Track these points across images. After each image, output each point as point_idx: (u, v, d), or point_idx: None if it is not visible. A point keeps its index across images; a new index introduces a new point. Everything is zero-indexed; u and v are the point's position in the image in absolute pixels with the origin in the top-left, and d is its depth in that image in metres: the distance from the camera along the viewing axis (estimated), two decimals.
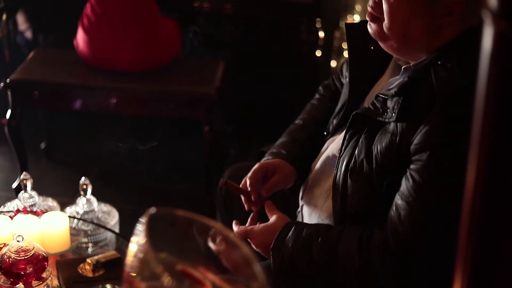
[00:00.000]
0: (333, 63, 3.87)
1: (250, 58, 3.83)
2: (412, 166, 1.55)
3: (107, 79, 3.17)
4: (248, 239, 1.77)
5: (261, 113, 3.90)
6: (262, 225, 1.78)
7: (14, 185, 3.32)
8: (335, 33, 3.77)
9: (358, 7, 3.88)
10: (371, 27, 1.69)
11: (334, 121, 1.93)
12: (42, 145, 3.74)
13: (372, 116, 1.66)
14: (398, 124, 1.58)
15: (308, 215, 1.90)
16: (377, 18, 1.66)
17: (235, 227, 1.81)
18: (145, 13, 3.18)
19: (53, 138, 3.79)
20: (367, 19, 1.70)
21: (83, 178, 2.42)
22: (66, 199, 3.24)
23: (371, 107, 1.68)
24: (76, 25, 3.23)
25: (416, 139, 1.54)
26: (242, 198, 1.89)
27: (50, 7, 3.82)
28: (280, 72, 3.83)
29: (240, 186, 1.92)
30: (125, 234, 2.53)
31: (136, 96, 3.15)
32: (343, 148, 1.73)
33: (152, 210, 0.96)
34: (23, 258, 1.86)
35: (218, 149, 3.42)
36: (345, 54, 3.88)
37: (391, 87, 1.65)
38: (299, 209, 1.98)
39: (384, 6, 1.62)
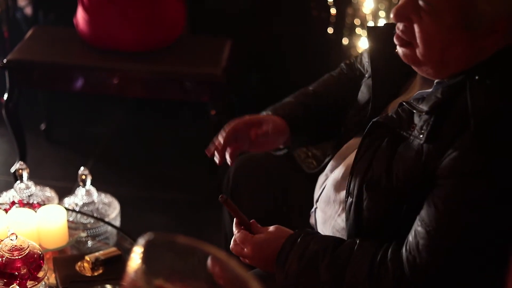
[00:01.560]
0: (345, 41, 3.72)
1: (259, 36, 3.70)
2: (435, 191, 1.42)
3: (108, 60, 3.04)
4: (245, 248, 1.61)
5: (270, 93, 3.76)
6: (263, 236, 1.61)
7: (13, 169, 3.20)
8: (347, 9, 3.61)
9: None
10: (401, 50, 1.53)
11: (353, 121, 1.78)
12: (42, 126, 3.63)
13: (395, 127, 1.52)
14: (425, 144, 1.44)
15: (323, 223, 1.77)
16: (408, 43, 1.50)
17: (235, 230, 1.66)
18: None
19: (54, 119, 3.67)
20: (395, 42, 1.53)
21: (82, 168, 2.30)
22: (65, 183, 3.19)
23: (394, 116, 1.53)
24: (77, 2, 3.10)
25: (444, 163, 1.40)
26: (234, 220, 1.71)
27: None
28: (290, 50, 3.69)
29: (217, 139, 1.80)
30: (126, 224, 2.44)
31: (139, 77, 3.03)
32: (358, 156, 1.59)
33: (150, 236, 0.90)
34: (17, 257, 1.75)
35: None
36: (357, 31, 3.78)
37: (421, 103, 1.47)
38: (313, 209, 1.85)
39: (417, 32, 1.45)
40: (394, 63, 1.60)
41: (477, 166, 1.36)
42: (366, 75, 1.80)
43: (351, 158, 1.66)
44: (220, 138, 1.77)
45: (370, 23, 3.72)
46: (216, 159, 1.77)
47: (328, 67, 3.61)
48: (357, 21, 3.75)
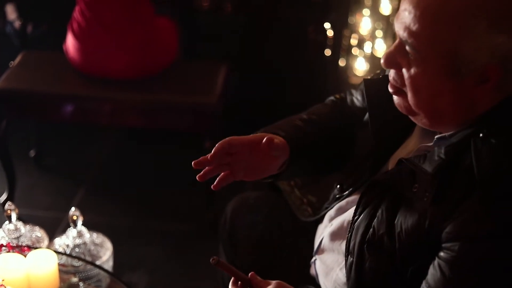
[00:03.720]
0: (342, 62, 3.67)
1: (255, 60, 3.63)
2: (441, 255, 1.35)
3: (100, 88, 2.97)
4: None
5: (268, 116, 3.70)
6: None
7: (1, 200, 3.14)
8: (344, 31, 3.55)
9: (367, 2, 3.67)
10: (395, 99, 1.47)
11: (352, 177, 1.69)
12: (32, 153, 3.55)
13: (395, 187, 1.45)
14: (429, 207, 1.36)
15: (324, 275, 1.70)
16: (401, 91, 1.43)
17: None
18: (139, 14, 2.97)
19: (44, 145, 3.59)
20: (390, 90, 1.46)
21: (72, 209, 2.22)
22: (56, 212, 3.13)
23: (394, 175, 1.46)
24: (67, 18, 3.04)
25: (449, 227, 1.32)
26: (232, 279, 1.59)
27: None
28: (287, 72, 3.64)
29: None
30: (120, 258, 2.38)
31: (131, 107, 2.96)
32: (357, 213, 1.52)
33: None
34: None
35: None
36: (354, 52, 3.72)
37: (423, 163, 1.39)
38: (313, 260, 1.78)
39: (406, 79, 1.38)
40: (393, 115, 1.53)
41: (484, 230, 1.29)
42: (362, 123, 1.71)
43: (350, 212, 1.60)
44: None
45: (368, 44, 3.67)
46: (201, 177, 1.61)
47: (326, 89, 3.61)
48: (353, 42, 3.70)
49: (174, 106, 2.94)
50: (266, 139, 1.56)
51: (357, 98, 1.82)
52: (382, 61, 1.42)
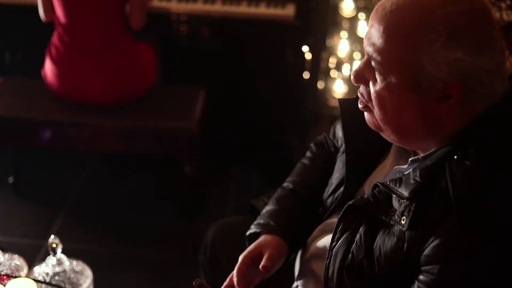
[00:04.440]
0: (321, 85, 3.68)
1: (233, 83, 3.63)
2: (421, 278, 1.35)
3: (78, 114, 2.96)
4: None
5: (247, 139, 3.71)
6: None
7: None
8: (322, 54, 3.56)
9: (345, 24, 3.69)
10: (365, 116, 1.49)
11: (329, 201, 1.71)
12: (10, 179, 3.50)
13: (373, 211, 1.45)
14: (407, 231, 1.37)
15: None
16: (368, 108, 1.46)
17: None
18: (117, 40, 2.95)
19: (22, 171, 3.54)
20: (359, 106, 1.49)
21: (52, 236, 2.18)
22: (35, 240, 3.10)
23: (371, 199, 1.46)
24: (45, 43, 3.02)
25: (427, 251, 1.33)
26: None
27: (17, 25, 3.59)
28: (266, 96, 3.64)
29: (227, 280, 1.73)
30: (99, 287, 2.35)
31: (110, 132, 2.95)
32: (335, 238, 1.52)
33: None
34: None
35: (199, 187, 3.20)
36: (332, 74, 3.74)
37: (399, 187, 1.40)
38: (295, 286, 1.78)
39: (372, 94, 1.41)
40: (368, 137, 1.55)
41: (462, 252, 1.30)
42: (341, 150, 1.74)
43: (328, 238, 1.59)
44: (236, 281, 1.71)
45: (346, 66, 3.69)
46: None
47: (305, 111, 3.61)
48: (332, 64, 3.71)
49: (153, 131, 2.94)
50: (262, 269, 1.68)
51: (337, 128, 1.86)
52: (352, 77, 1.45)
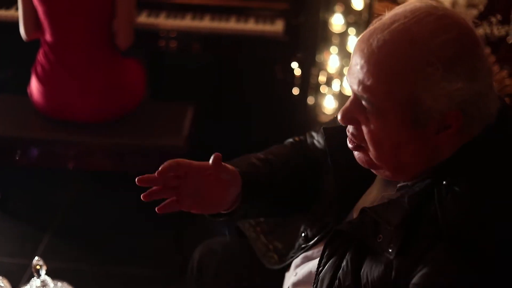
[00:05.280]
0: (311, 100, 3.66)
1: (223, 99, 3.61)
2: None
3: (64, 132, 2.93)
4: None
5: (237, 156, 3.67)
6: None
7: None
8: (312, 70, 3.55)
9: (335, 40, 3.67)
10: (356, 154, 1.44)
11: (314, 229, 1.67)
12: None
13: (360, 237, 1.40)
14: (395, 259, 1.33)
15: None
16: (360, 147, 1.40)
17: None
18: (104, 57, 2.92)
19: (9, 190, 3.50)
20: (349, 146, 1.43)
21: (36, 258, 2.14)
22: (22, 259, 3.07)
23: (358, 224, 1.42)
24: (30, 61, 2.99)
25: (415, 279, 1.28)
26: None
27: (4, 42, 3.56)
28: (255, 111, 3.61)
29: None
30: None
31: (97, 151, 2.91)
32: (322, 263, 1.48)
33: None
34: None
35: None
36: (322, 89, 3.72)
37: (386, 213, 1.35)
38: None
39: (366, 134, 1.36)
40: (355, 163, 1.49)
41: (451, 281, 1.25)
42: (325, 170, 1.67)
43: (315, 262, 1.56)
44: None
45: (336, 82, 3.67)
46: (146, 196, 1.53)
47: (295, 127, 3.59)
48: (321, 80, 3.69)
49: (140, 149, 2.90)
50: (214, 155, 1.52)
51: (318, 141, 1.79)
52: (339, 117, 1.38)
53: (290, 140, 1.87)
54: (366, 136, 1.35)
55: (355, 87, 1.32)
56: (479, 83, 1.28)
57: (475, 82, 1.27)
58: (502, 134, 1.35)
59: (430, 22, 1.28)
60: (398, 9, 1.33)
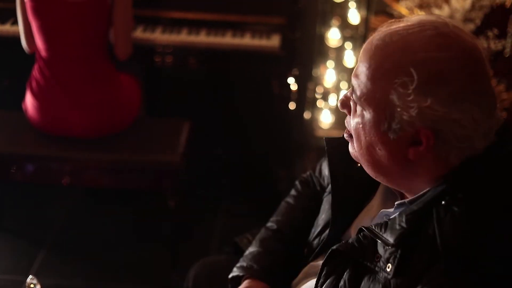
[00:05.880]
0: (307, 115, 3.64)
1: (219, 114, 3.60)
2: None
3: (59, 148, 2.91)
4: None
5: (233, 171, 3.66)
6: None
7: None
8: (308, 84, 3.54)
9: (331, 54, 3.67)
10: (349, 146, 1.47)
11: (315, 243, 1.67)
12: None
13: (357, 257, 1.39)
14: (392, 279, 1.31)
15: None
16: (351, 137, 1.44)
17: None
18: (99, 73, 2.91)
19: (4, 205, 3.48)
20: (344, 136, 1.47)
21: (30, 277, 2.12)
22: (16, 276, 3.08)
23: (355, 244, 1.40)
24: (25, 76, 2.97)
25: None
26: None
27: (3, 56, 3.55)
28: (252, 126, 3.60)
29: None
30: None
31: (92, 167, 2.89)
32: (319, 283, 1.47)
33: None
34: None
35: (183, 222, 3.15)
36: (319, 104, 3.71)
37: (384, 232, 1.34)
38: None
39: (351, 123, 1.41)
40: (355, 177, 1.52)
41: None
42: (327, 190, 1.70)
43: (313, 282, 1.54)
44: None
45: (332, 96, 3.66)
46: None
47: (292, 142, 3.58)
48: (318, 95, 3.68)
49: (136, 165, 2.89)
50: None
51: (323, 166, 1.84)
52: (338, 103, 1.44)
53: (297, 184, 1.94)
54: (351, 126, 1.40)
55: (352, 78, 1.38)
56: (460, 113, 1.26)
57: (455, 111, 1.25)
58: (502, 153, 1.34)
59: (428, 36, 1.29)
60: (415, 17, 1.35)
